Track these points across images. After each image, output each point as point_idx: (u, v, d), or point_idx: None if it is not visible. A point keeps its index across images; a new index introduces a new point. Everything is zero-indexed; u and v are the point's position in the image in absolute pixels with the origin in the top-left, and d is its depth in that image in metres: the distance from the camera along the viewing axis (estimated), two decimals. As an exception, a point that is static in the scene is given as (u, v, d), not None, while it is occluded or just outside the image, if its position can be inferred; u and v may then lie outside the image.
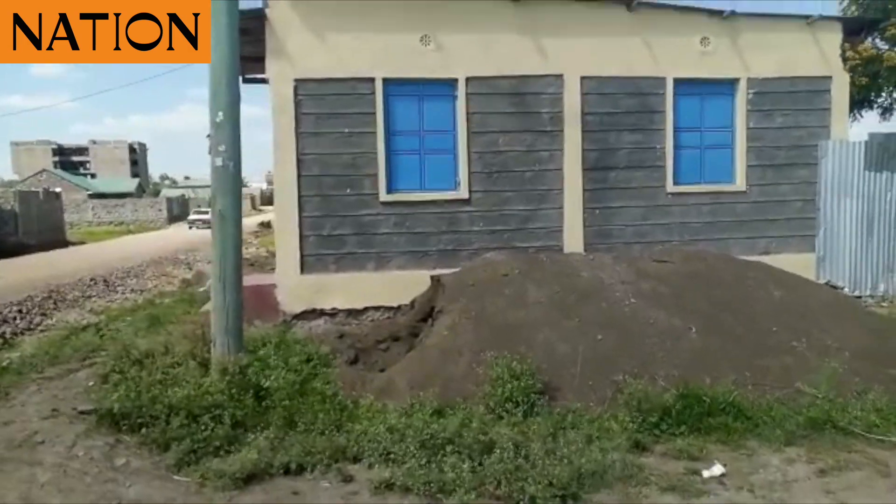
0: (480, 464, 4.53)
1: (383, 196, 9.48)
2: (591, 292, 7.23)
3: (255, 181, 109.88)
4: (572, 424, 5.33)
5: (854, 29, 10.55)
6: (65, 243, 33.27)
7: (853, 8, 13.69)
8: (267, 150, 9.43)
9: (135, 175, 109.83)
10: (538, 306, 7.03)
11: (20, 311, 12.19)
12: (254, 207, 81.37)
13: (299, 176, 9.29)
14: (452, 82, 9.55)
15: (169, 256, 24.65)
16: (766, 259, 9.19)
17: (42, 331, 10.72)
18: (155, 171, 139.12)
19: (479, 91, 9.59)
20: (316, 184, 9.35)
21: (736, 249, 9.81)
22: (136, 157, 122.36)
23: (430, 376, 6.27)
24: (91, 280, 16.91)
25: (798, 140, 10.15)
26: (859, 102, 14.33)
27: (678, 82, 9.90)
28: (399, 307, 9.29)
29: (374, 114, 9.39)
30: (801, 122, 10.15)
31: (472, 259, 9.33)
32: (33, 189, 39.07)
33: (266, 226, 38.33)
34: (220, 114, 6.28)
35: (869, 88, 13.06)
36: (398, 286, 9.27)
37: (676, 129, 9.98)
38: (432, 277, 8.34)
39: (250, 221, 41.06)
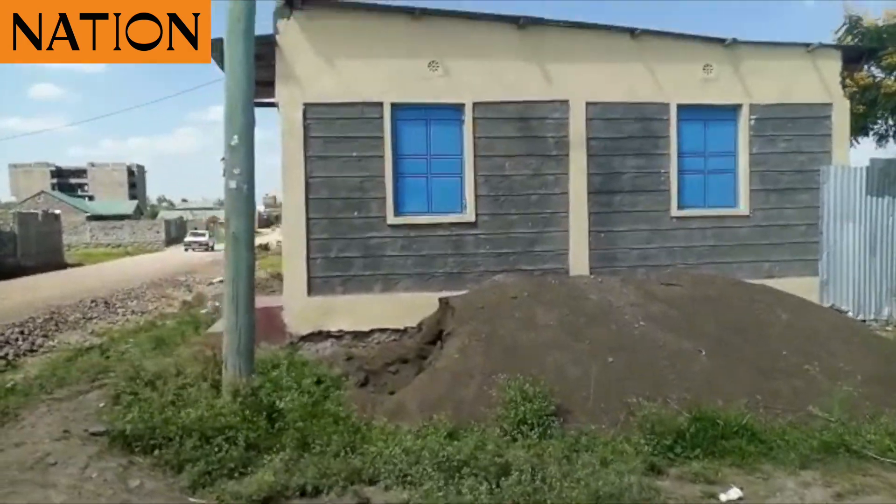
0: (498, 486, 4.51)
1: (391, 219, 9.54)
2: (600, 315, 7.26)
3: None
4: (586, 447, 5.33)
5: (853, 57, 10.75)
6: (63, 265, 33.20)
7: (849, 37, 13.92)
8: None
9: (133, 197, 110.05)
10: (548, 329, 7.05)
11: (22, 333, 12.16)
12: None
13: (307, 199, 9.35)
14: (459, 107, 9.68)
15: (168, 278, 24.60)
16: (769, 283, 9.25)
17: (44, 352, 10.69)
18: (152, 193, 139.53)
19: (485, 116, 9.71)
20: (324, 207, 9.42)
21: (740, 273, 9.88)
22: (135, 180, 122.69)
23: (442, 399, 6.27)
24: (91, 302, 16.87)
25: (800, 165, 10.30)
26: (856, 130, 14.54)
27: (681, 108, 10.06)
28: (405, 329, 9.29)
29: (382, 138, 9.50)
30: (803, 147, 10.31)
31: (479, 281, 9.39)
32: (32, 211, 39.01)
33: (265, 248, 38.30)
34: (236, 137, 6.34)
35: (866, 116, 13.24)
36: (404, 308, 9.29)
37: (680, 154, 10.11)
38: (440, 300, 8.37)
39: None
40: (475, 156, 9.69)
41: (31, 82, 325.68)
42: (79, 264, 35.32)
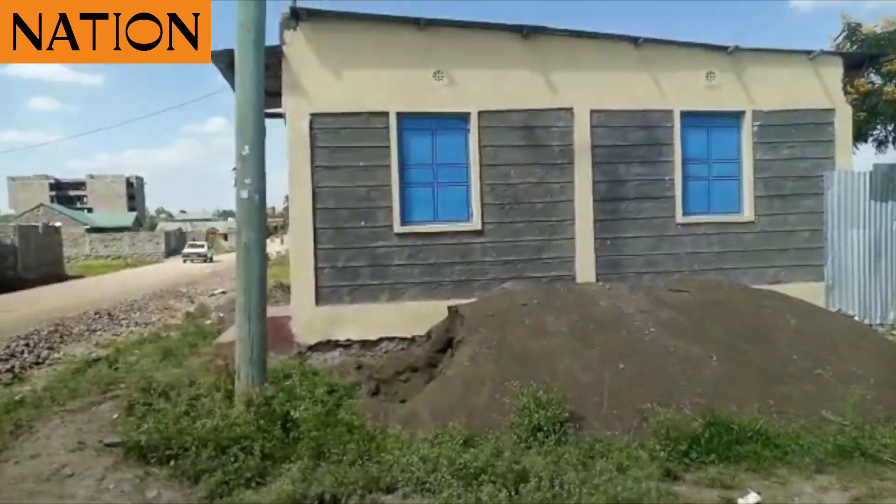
0: (517, 492, 4.52)
1: (397, 228, 9.58)
2: (610, 322, 7.28)
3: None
4: (601, 453, 5.34)
5: (855, 63, 10.83)
6: (64, 277, 33.18)
7: (848, 44, 14.02)
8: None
9: (132, 209, 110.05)
10: (558, 336, 7.07)
11: (27, 345, 12.13)
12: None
13: (314, 208, 9.38)
14: (465, 116, 9.74)
15: (169, 290, 24.58)
16: (775, 288, 9.26)
17: (50, 364, 10.67)
18: (150, 205, 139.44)
19: (490, 125, 9.77)
20: (331, 216, 9.45)
21: (745, 279, 9.90)
22: (134, 192, 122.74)
23: (454, 406, 6.27)
24: (95, 314, 16.85)
25: (804, 171, 10.36)
26: (855, 136, 14.63)
27: (685, 115, 10.13)
28: (413, 338, 9.31)
29: (389, 147, 9.54)
30: (807, 153, 10.37)
31: (486, 290, 9.39)
32: (32, 224, 39.01)
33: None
34: (247, 147, 6.38)
35: (867, 122, 13.33)
36: (412, 317, 9.31)
37: (684, 161, 10.17)
38: (450, 308, 8.39)
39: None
40: (481, 164, 9.74)
41: (29, 95, 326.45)
42: (79, 276, 35.28)
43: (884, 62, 11.99)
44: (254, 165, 6.40)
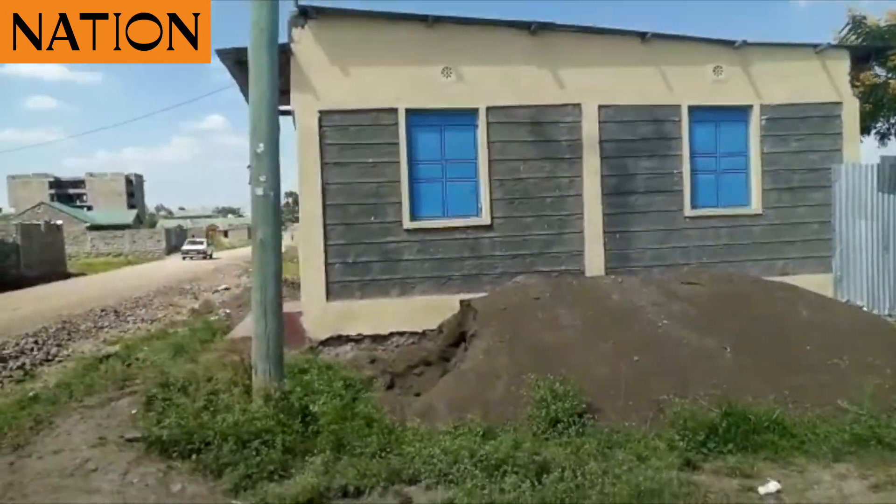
0: (540, 483, 4.57)
1: (407, 223, 9.61)
2: (623, 314, 7.33)
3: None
4: (620, 444, 5.38)
5: (861, 56, 10.86)
6: (66, 275, 33.15)
7: (852, 37, 14.06)
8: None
9: (132, 206, 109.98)
10: (572, 329, 7.11)
11: (36, 343, 12.19)
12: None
13: (324, 205, 9.41)
14: (473, 112, 9.76)
15: (173, 286, 24.62)
16: (783, 280, 9.33)
17: (59, 361, 10.71)
18: (150, 202, 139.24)
19: (499, 120, 9.79)
20: (341, 212, 9.48)
21: (754, 271, 9.96)
22: (133, 189, 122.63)
23: (469, 399, 6.32)
24: (101, 311, 16.90)
25: (812, 164, 10.39)
26: (860, 129, 14.69)
27: (693, 109, 10.16)
28: (424, 332, 9.36)
29: (398, 143, 9.56)
30: (814, 146, 10.40)
31: (496, 284, 9.44)
32: (34, 222, 39.00)
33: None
34: (261, 145, 6.39)
35: (872, 115, 13.39)
36: (422, 312, 9.36)
37: (692, 155, 10.20)
38: (462, 302, 8.42)
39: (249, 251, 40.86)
40: (489, 160, 9.77)
41: (27, 94, 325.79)
42: (81, 274, 35.26)
43: (890, 55, 12.02)
44: (268, 163, 6.42)
